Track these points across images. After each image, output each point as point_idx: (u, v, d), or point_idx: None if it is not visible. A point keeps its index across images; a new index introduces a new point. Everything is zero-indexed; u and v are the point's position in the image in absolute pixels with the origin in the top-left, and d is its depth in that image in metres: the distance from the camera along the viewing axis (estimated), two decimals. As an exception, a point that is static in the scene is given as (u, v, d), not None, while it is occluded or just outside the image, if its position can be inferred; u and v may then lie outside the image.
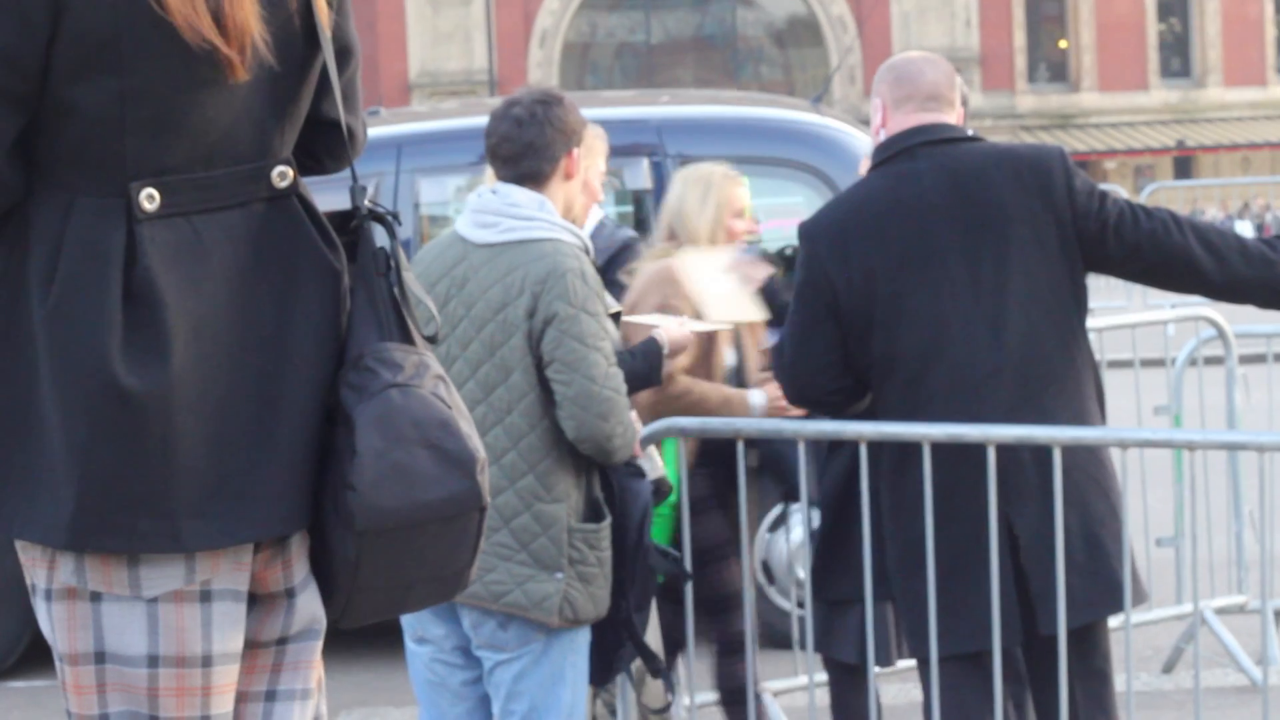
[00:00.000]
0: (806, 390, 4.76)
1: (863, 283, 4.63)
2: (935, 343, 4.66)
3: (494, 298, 4.62)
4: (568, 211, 4.76)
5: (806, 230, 4.74)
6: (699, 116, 8.72)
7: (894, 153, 4.72)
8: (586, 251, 4.71)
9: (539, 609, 4.58)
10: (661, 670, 4.89)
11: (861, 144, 8.25)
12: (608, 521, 4.67)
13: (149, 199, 2.59)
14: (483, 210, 4.71)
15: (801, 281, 4.70)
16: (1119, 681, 6.73)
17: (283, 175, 2.70)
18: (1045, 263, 4.66)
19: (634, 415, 4.76)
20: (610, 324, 4.68)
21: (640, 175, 8.11)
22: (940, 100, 4.76)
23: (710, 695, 6.35)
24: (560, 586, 4.59)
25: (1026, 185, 4.69)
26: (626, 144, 8.17)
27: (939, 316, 4.65)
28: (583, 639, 4.71)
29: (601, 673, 4.86)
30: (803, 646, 5.96)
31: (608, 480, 4.72)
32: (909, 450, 4.69)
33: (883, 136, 4.77)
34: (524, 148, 4.68)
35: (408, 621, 4.79)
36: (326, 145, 2.80)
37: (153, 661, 2.63)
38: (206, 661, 2.64)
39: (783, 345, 4.74)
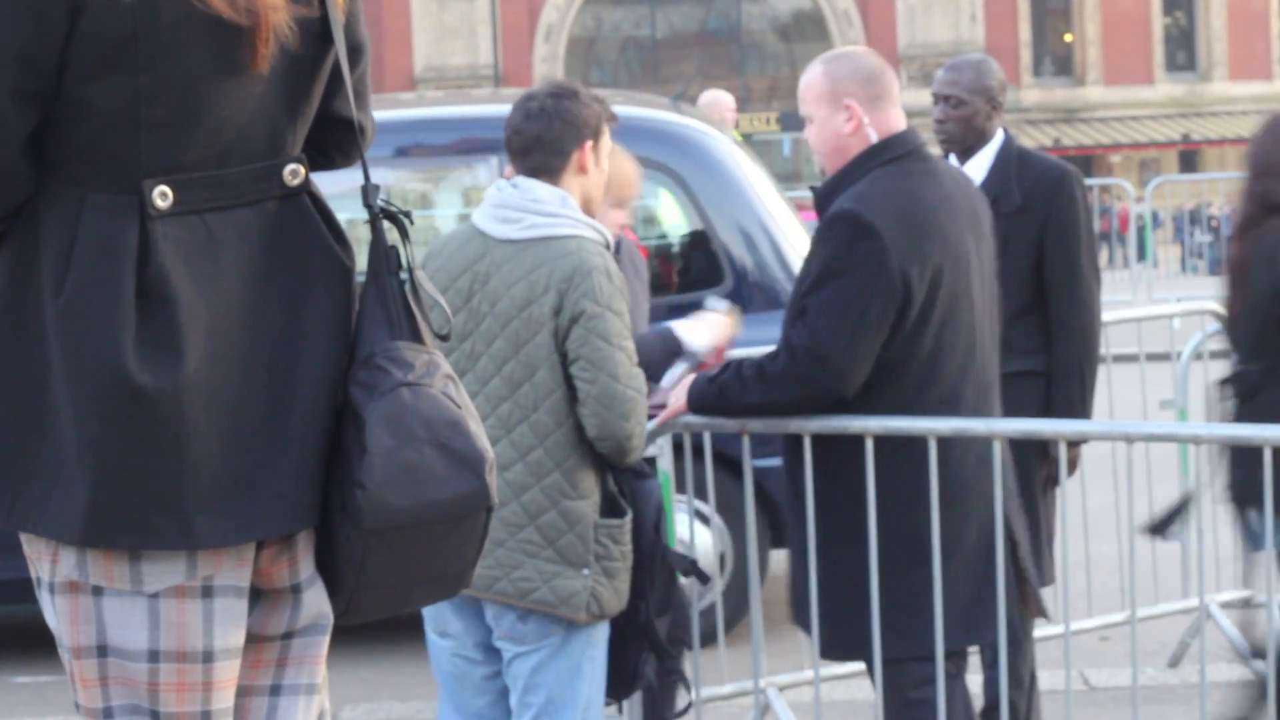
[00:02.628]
0: (843, 385, 4.66)
1: (932, 280, 4.63)
2: (970, 348, 4.71)
3: (519, 294, 4.61)
4: (587, 206, 4.73)
5: (865, 220, 4.61)
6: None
7: (905, 151, 4.73)
8: (608, 248, 4.71)
9: (566, 605, 4.59)
10: (680, 673, 4.88)
11: (719, 144, 8.13)
12: (629, 516, 4.68)
13: (162, 196, 2.60)
14: (504, 205, 4.69)
15: (871, 272, 4.57)
16: (1125, 676, 6.75)
17: (294, 173, 2.70)
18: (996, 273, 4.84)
19: None
20: (629, 322, 4.68)
21: (491, 172, 8.07)
22: (898, 99, 4.88)
23: (716, 689, 6.36)
24: (587, 583, 4.60)
25: (983, 198, 4.91)
26: (476, 140, 8.13)
27: (974, 320, 4.71)
28: (600, 634, 4.71)
29: (626, 683, 4.83)
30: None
31: (618, 481, 4.73)
32: (911, 446, 4.69)
33: (872, 135, 4.74)
34: (532, 141, 4.66)
35: (429, 614, 4.80)
36: (337, 142, 2.80)
37: (153, 656, 2.63)
38: (208, 657, 2.65)
39: (828, 333, 4.60)
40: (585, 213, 4.72)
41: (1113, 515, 6.79)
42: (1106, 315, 7.27)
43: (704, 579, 5.04)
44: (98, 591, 2.62)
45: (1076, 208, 5.82)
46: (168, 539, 2.58)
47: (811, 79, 4.81)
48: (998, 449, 4.83)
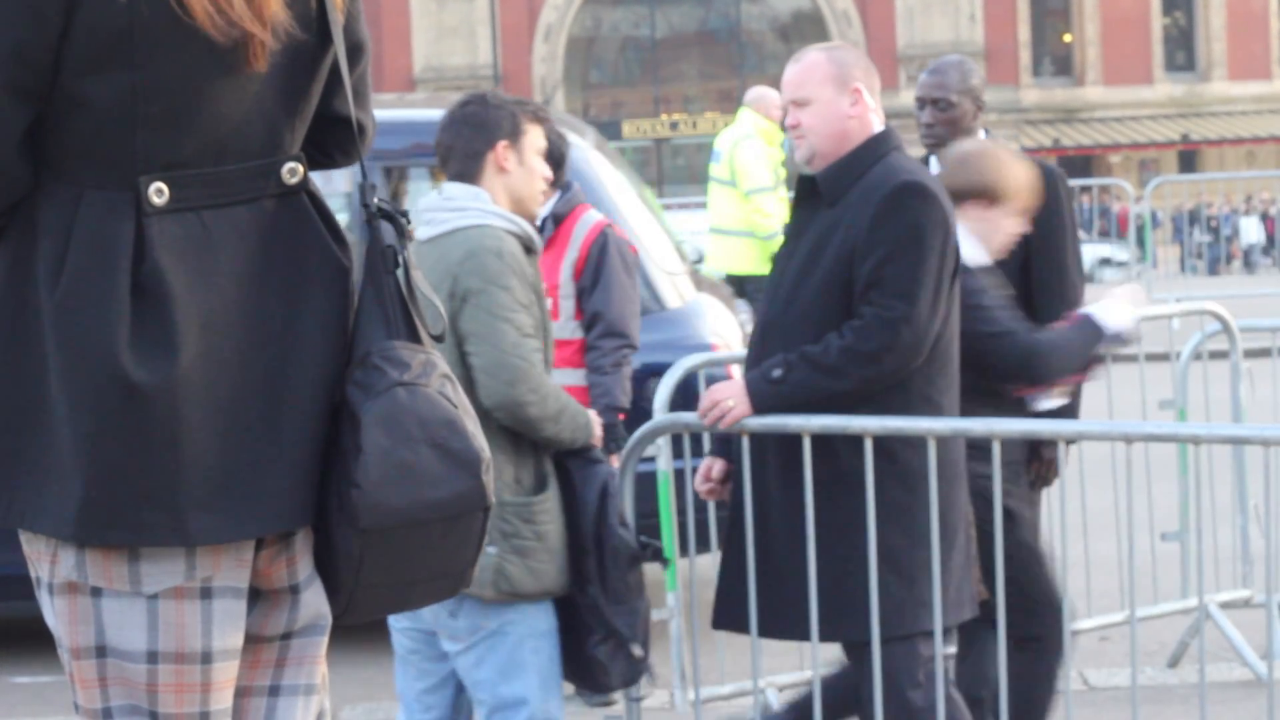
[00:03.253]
0: (924, 351, 4.73)
1: (958, 255, 4.78)
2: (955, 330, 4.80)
3: None
4: (518, 203, 4.83)
5: (934, 191, 4.74)
6: (400, 120, 8.41)
7: (900, 142, 4.86)
8: (523, 238, 4.77)
9: (471, 582, 4.61)
10: (637, 658, 4.86)
11: (578, 150, 8.06)
12: (544, 495, 4.70)
13: (158, 193, 2.60)
14: (427, 209, 4.86)
15: (942, 239, 4.70)
16: (1125, 676, 6.74)
17: (293, 171, 2.70)
18: None
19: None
20: (524, 299, 4.69)
21: (352, 176, 8.05)
22: None
23: (715, 689, 6.36)
24: (492, 560, 4.63)
25: None
26: None
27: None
28: (541, 624, 4.72)
29: (582, 669, 4.83)
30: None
31: (563, 465, 4.76)
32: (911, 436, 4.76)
33: (876, 122, 4.86)
34: (446, 150, 4.85)
35: None
36: (337, 141, 2.81)
37: (152, 657, 2.63)
38: (206, 658, 2.65)
39: (919, 299, 4.67)
40: (519, 209, 4.83)
41: (1112, 515, 6.79)
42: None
43: (663, 561, 5.03)
44: (96, 592, 2.62)
45: (1062, 207, 5.82)
46: (162, 535, 2.58)
47: (813, 63, 4.86)
48: (996, 449, 4.84)
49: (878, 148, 4.80)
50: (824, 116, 4.82)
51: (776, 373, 4.80)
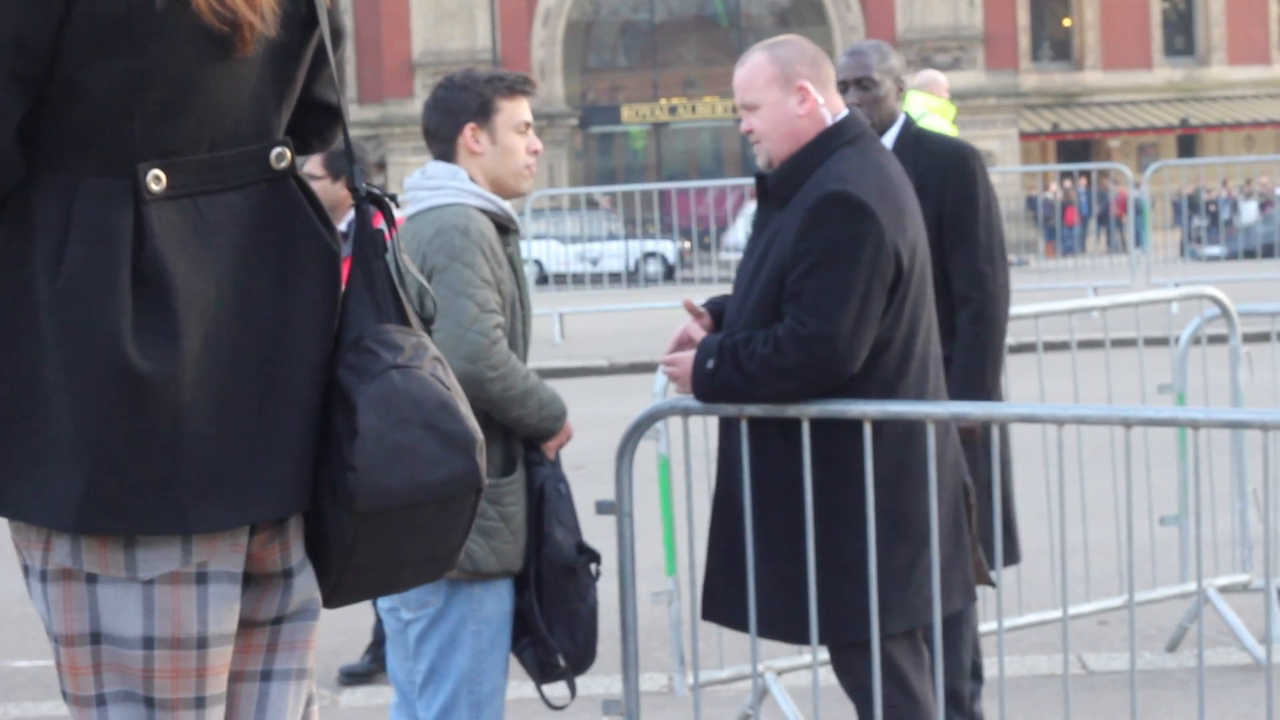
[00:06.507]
0: (850, 368, 4.63)
1: (910, 256, 4.65)
2: (930, 323, 4.76)
3: None
4: (496, 181, 4.84)
5: (860, 200, 4.60)
6: None
7: (860, 131, 4.75)
8: (498, 216, 4.78)
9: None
10: (560, 670, 4.86)
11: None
12: (511, 478, 4.72)
13: (156, 180, 2.60)
14: (410, 187, 4.92)
15: (871, 250, 4.57)
16: (1123, 660, 6.75)
17: (280, 156, 2.71)
18: None
19: None
20: (490, 276, 4.69)
21: None
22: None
23: (714, 673, 6.36)
24: None
25: None
26: None
27: (931, 295, 4.77)
28: (488, 606, 4.74)
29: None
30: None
31: (531, 451, 4.80)
32: (895, 427, 4.70)
33: (828, 116, 4.74)
34: (425, 133, 4.93)
35: None
36: (314, 126, 2.82)
37: (148, 643, 2.63)
38: (202, 643, 2.65)
39: (838, 317, 4.57)
40: (498, 188, 4.84)
41: (1111, 500, 6.79)
42: (1105, 299, 7.28)
43: (597, 567, 4.97)
44: (91, 579, 2.62)
45: (971, 182, 5.83)
46: (163, 524, 2.58)
47: (756, 65, 4.77)
48: (996, 434, 4.84)
49: (826, 144, 4.70)
50: (772, 119, 4.73)
51: (710, 364, 4.76)
